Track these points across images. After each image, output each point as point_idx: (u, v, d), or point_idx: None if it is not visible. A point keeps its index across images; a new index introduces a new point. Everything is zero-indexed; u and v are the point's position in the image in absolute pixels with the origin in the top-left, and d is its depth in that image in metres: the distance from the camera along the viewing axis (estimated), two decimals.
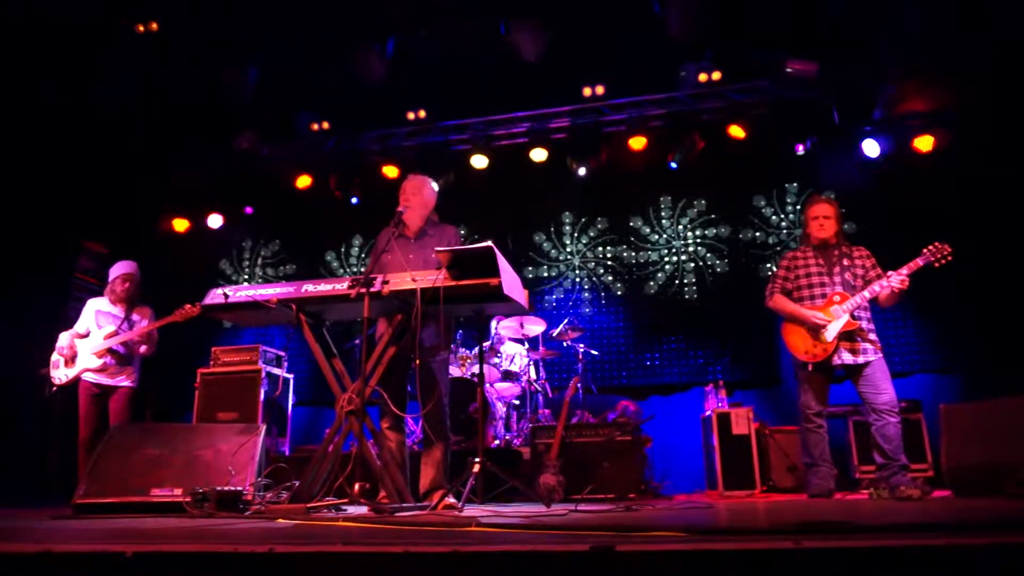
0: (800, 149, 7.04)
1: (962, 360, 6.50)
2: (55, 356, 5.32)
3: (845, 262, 4.48)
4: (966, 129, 6.61)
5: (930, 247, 4.27)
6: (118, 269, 5.52)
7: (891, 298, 4.32)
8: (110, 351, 5.29)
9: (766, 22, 6.70)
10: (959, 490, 4.08)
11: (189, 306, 5.18)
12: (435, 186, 4.45)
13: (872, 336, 4.37)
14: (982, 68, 6.24)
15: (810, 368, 4.42)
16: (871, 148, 6.82)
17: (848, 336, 4.34)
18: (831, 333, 4.34)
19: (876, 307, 4.51)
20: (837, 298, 4.39)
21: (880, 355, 4.34)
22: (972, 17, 5.98)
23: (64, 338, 5.33)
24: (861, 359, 4.32)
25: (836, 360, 4.35)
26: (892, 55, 6.43)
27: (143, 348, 5.43)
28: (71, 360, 5.28)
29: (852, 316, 4.34)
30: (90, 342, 5.30)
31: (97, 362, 5.25)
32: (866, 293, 4.32)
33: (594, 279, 7.76)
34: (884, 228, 6.69)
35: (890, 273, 4.28)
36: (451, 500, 3.69)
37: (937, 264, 4.24)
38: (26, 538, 2.02)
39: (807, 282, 4.53)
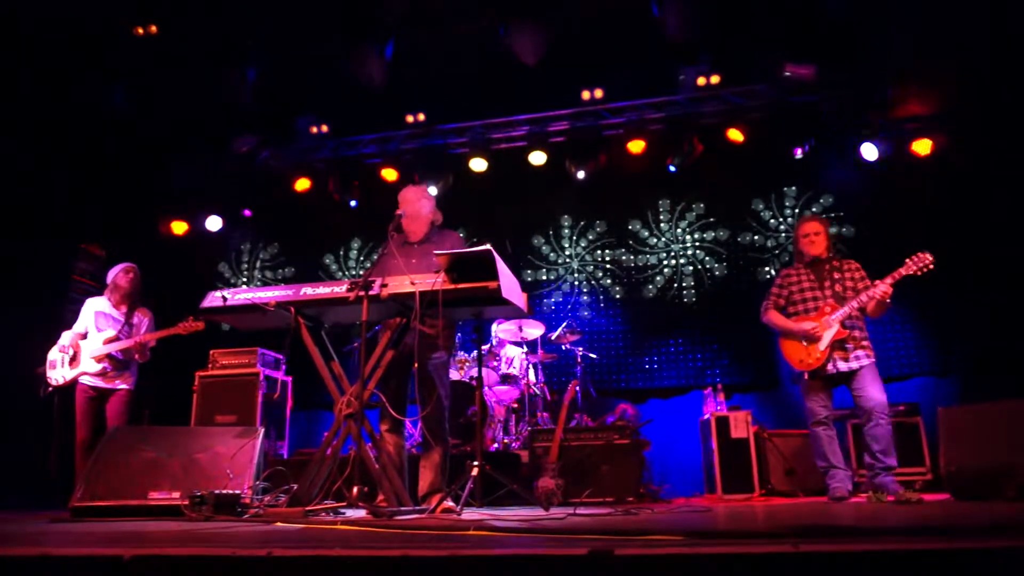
0: (799, 152, 7.05)
1: (960, 363, 6.50)
2: (52, 355, 5.29)
3: (836, 275, 4.68)
4: (964, 132, 6.61)
5: (912, 257, 4.38)
6: (117, 267, 5.50)
7: (879, 308, 4.47)
8: (109, 356, 5.27)
9: (765, 25, 6.72)
10: (958, 493, 4.08)
11: (192, 320, 5.16)
12: (432, 192, 4.45)
13: (864, 343, 4.53)
14: (981, 70, 6.24)
15: (806, 377, 4.59)
16: (869, 151, 6.82)
17: (840, 344, 4.53)
18: (823, 343, 4.52)
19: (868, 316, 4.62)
20: (828, 309, 4.57)
21: (872, 360, 4.50)
22: (971, 19, 5.99)
23: (67, 336, 5.31)
24: (854, 364, 4.49)
25: (830, 368, 4.52)
26: (891, 58, 6.43)
27: (137, 357, 5.40)
28: (73, 360, 5.26)
29: (843, 325, 4.50)
30: (89, 345, 5.28)
31: (96, 367, 5.23)
32: (855, 303, 4.49)
33: (593, 282, 7.76)
34: (882, 231, 6.70)
35: (877, 282, 4.43)
36: (450, 503, 3.68)
37: (919, 272, 4.36)
38: (24, 541, 2.01)
39: (800, 296, 4.73)
